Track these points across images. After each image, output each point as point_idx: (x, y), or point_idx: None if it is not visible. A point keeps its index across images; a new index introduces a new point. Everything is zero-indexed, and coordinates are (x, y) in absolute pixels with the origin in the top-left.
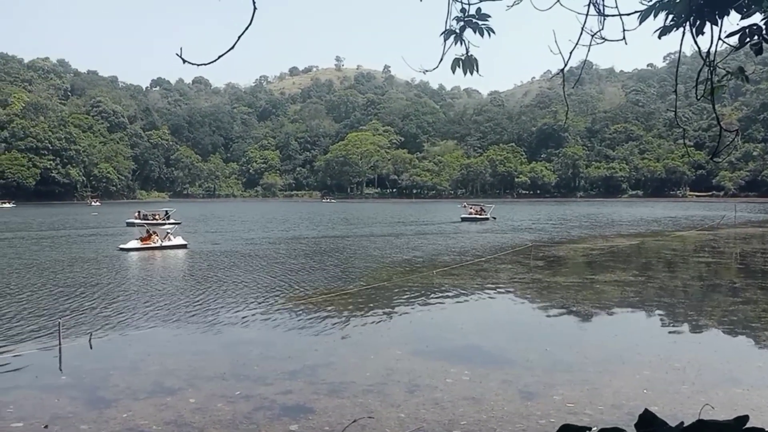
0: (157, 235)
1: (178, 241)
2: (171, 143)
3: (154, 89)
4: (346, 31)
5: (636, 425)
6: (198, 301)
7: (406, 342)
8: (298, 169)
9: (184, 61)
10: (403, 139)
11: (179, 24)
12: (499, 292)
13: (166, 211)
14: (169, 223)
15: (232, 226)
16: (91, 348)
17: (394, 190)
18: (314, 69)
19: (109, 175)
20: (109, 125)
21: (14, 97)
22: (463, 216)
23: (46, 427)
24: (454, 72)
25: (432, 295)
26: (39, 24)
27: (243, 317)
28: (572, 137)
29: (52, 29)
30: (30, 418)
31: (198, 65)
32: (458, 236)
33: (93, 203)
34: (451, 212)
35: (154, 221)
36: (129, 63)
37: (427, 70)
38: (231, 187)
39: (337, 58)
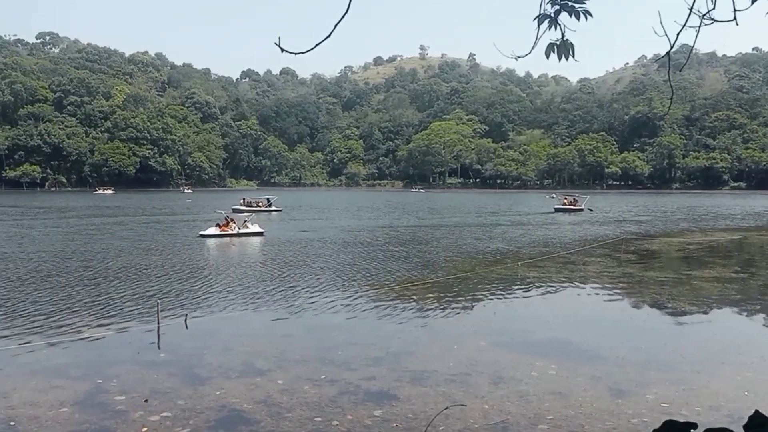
0: (234, 223)
1: (255, 228)
2: (259, 133)
3: (243, 80)
4: (430, 20)
5: (745, 426)
6: (282, 286)
7: (489, 333)
8: (381, 158)
9: (282, 50)
10: (487, 128)
11: (269, 16)
12: (588, 286)
13: (268, 198)
14: (273, 210)
15: (324, 214)
16: (186, 328)
17: (478, 179)
18: (398, 58)
19: (201, 163)
20: (202, 116)
21: (116, 89)
22: (556, 207)
23: (146, 400)
24: (548, 57)
25: (516, 287)
26: (140, 19)
27: (327, 303)
28: (668, 126)
29: (151, 24)
30: (131, 391)
31: (296, 54)
32: (546, 227)
33: (186, 190)
34: (539, 203)
35: (258, 207)
36: (221, 55)
37: (518, 57)
38: (316, 176)
39: (422, 47)
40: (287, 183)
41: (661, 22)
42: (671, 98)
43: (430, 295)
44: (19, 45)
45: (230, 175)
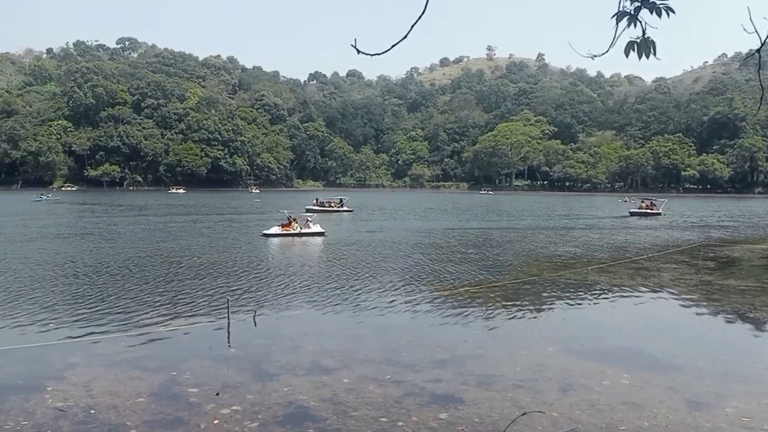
0: (297, 223)
1: (317, 228)
2: (326, 134)
3: (311, 83)
4: (498, 20)
5: None
6: (346, 286)
7: (558, 339)
8: (446, 160)
9: (359, 52)
10: (556, 129)
11: (338, 19)
12: (662, 293)
13: (341, 199)
14: (344, 210)
15: (391, 215)
16: (255, 325)
17: (545, 182)
18: (465, 59)
19: (270, 164)
20: (270, 117)
21: (190, 92)
22: (631, 210)
23: (217, 394)
24: (627, 56)
25: (586, 293)
26: (213, 25)
27: (391, 304)
28: (750, 127)
29: (224, 29)
30: (204, 384)
31: (372, 55)
32: (620, 231)
33: (253, 190)
34: (611, 206)
35: (330, 208)
36: (290, 58)
37: (595, 56)
38: (380, 178)
39: (489, 48)
40: (352, 184)
41: (750, 18)
42: (761, 98)
43: (497, 298)
44: (101, 50)
45: (297, 175)
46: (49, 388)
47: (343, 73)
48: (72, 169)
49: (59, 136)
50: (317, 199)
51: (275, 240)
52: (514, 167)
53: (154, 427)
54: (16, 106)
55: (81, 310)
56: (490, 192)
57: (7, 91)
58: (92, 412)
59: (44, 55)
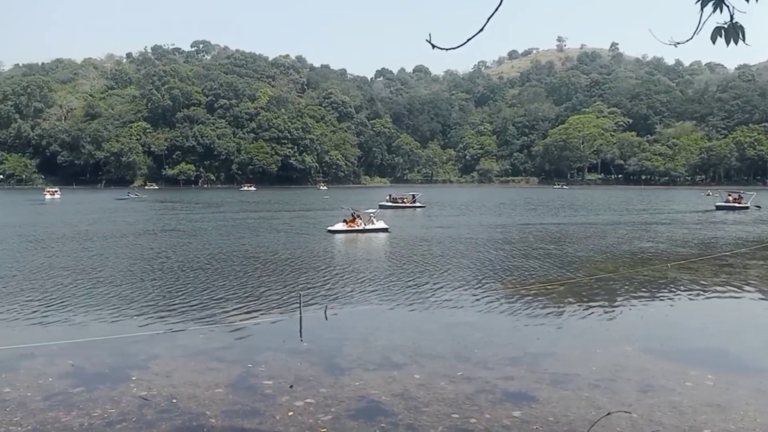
0: (361, 219)
1: (381, 225)
2: (392, 131)
3: (378, 79)
4: (569, 11)
5: None
6: (414, 281)
7: (636, 338)
8: (515, 154)
9: (434, 46)
10: (631, 120)
11: (405, 14)
12: (749, 292)
13: (413, 195)
14: (417, 206)
15: (462, 211)
16: (326, 319)
17: (620, 175)
18: (534, 51)
19: (338, 161)
20: (338, 115)
21: (261, 92)
22: (718, 204)
23: (291, 386)
24: (714, 42)
25: (665, 291)
26: (282, 25)
27: (461, 300)
28: None
29: (292, 29)
30: (278, 377)
31: (447, 49)
32: (704, 226)
33: (321, 187)
34: (694, 200)
35: (403, 203)
36: (357, 56)
37: (678, 43)
38: (447, 173)
39: (559, 39)
40: (419, 180)
41: None
42: None
43: (570, 295)
44: (177, 53)
45: (364, 172)
46: (133, 378)
47: (409, 69)
48: (151, 169)
49: (139, 137)
50: (390, 195)
51: (340, 236)
52: (586, 161)
53: (232, 418)
54: (99, 109)
55: (163, 303)
56: (564, 186)
57: (90, 95)
58: (174, 401)
59: (124, 60)
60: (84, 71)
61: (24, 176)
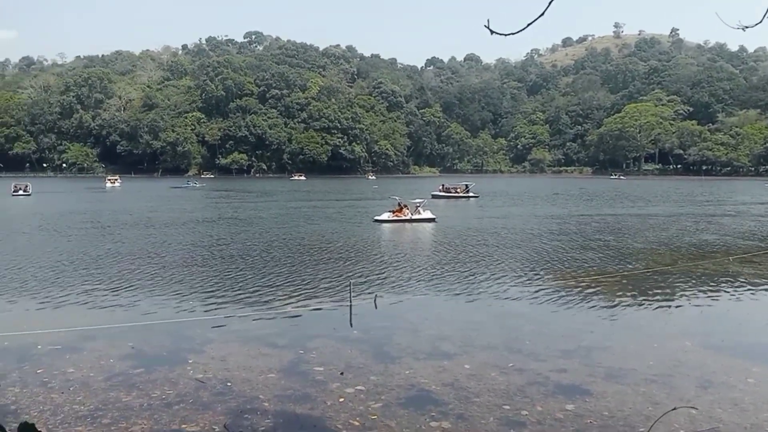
0: (407, 209)
1: (428, 215)
2: (442, 120)
3: (428, 68)
4: None
5: None
6: (463, 271)
7: (695, 333)
8: (568, 144)
9: (492, 32)
10: (691, 109)
11: (454, 3)
12: None
13: (467, 185)
14: (470, 196)
15: (515, 201)
16: (375, 308)
17: (679, 166)
18: (589, 38)
19: (387, 151)
20: (388, 104)
21: (311, 82)
22: None
23: (342, 373)
24: None
25: (726, 285)
26: (333, 15)
27: (512, 291)
28: None
29: (343, 19)
30: (329, 364)
31: (506, 35)
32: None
33: (370, 177)
34: (759, 191)
35: (456, 193)
36: (407, 45)
37: (746, 27)
38: (498, 163)
39: (616, 25)
40: (469, 170)
41: None
42: None
43: (626, 288)
44: (230, 45)
45: (414, 162)
46: (190, 361)
47: (460, 58)
48: (205, 158)
49: (194, 127)
50: (443, 185)
51: (387, 225)
52: (643, 150)
53: (284, 402)
54: (156, 100)
55: (219, 288)
56: (621, 177)
57: (148, 86)
58: (228, 384)
59: (180, 52)
60: (142, 63)
61: (85, 165)
